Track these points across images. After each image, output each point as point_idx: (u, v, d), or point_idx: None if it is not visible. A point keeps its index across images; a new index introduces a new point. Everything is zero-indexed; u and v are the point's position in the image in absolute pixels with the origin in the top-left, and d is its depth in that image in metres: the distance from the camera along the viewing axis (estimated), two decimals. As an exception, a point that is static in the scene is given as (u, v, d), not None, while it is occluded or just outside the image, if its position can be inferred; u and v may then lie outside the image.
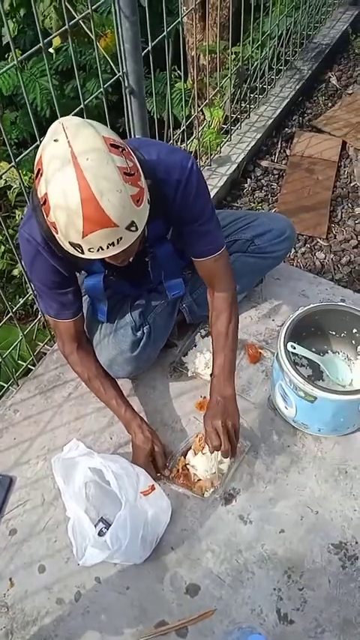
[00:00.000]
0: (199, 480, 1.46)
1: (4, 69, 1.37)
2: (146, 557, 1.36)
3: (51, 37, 1.43)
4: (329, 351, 1.66)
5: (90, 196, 0.98)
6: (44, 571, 1.38)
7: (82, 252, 1.07)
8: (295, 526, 1.42)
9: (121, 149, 1.03)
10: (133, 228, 1.06)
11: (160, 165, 1.22)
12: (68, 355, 1.50)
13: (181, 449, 1.51)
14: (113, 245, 1.06)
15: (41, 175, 1.02)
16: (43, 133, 1.12)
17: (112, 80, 1.65)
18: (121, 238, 1.06)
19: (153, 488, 1.39)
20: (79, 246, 1.05)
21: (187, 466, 1.47)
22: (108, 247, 1.06)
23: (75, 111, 1.48)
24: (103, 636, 1.28)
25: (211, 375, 1.46)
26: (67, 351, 1.49)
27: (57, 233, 1.07)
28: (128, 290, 1.57)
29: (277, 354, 1.46)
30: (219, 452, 1.39)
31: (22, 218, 2.21)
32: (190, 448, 1.50)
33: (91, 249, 1.06)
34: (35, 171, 1.04)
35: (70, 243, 1.06)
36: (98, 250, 1.06)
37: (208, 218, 1.36)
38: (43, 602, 1.33)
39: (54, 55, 2.76)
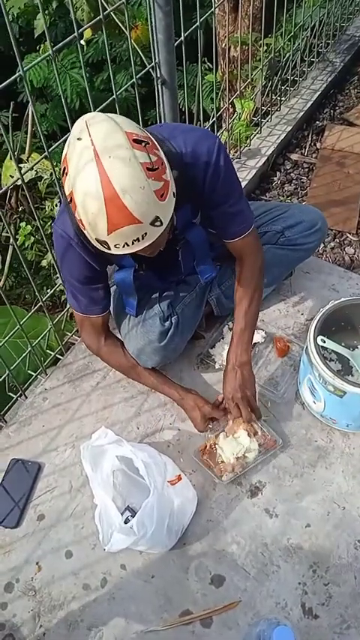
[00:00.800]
0: (222, 462, 1.47)
1: (39, 59, 1.38)
2: (171, 547, 1.37)
3: (84, 27, 1.43)
4: (359, 346, 1.64)
5: (113, 195, 0.99)
6: (71, 557, 1.39)
7: (109, 248, 1.08)
8: (322, 521, 1.41)
9: (144, 144, 1.02)
10: (158, 223, 1.06)
11: (188, 150, 1.22)
12: (96, 348, 1.55)
13: (216, 429, 1.54)
14: (138, 241, 1.06)
15: (66, 174, 1.03)
16: (73, 124, 1.12)
17: (144, 71, 1.65)
18: (145, 234, 1.06)
19: (180, 478, 1.39)
20: (105, 242, 1.07)
21: (216, 446, 1.50)
22: (133, 243, 1.06)
23: (107, 102, 1.48)
24: (128, 623, 1.29)
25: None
26: (93, 345, 1.55)
27: (84, 230, 1.08)
28: (157, 283, 1.58)
29: (307, 347, 1.45)
30: (248, 440, 1.46)
31: (52, 209, 2.23)
32: (224, 431, 1.52)
33: (117, 246, 1.07)
34: (62, 169, 1.05)
35: (96, 239, 1.07)
36: (124, 246, 1.07)
37: (238, 197, 1.37)
38: (70, 587, 1.35)
39: (85, 47, 2.77)
